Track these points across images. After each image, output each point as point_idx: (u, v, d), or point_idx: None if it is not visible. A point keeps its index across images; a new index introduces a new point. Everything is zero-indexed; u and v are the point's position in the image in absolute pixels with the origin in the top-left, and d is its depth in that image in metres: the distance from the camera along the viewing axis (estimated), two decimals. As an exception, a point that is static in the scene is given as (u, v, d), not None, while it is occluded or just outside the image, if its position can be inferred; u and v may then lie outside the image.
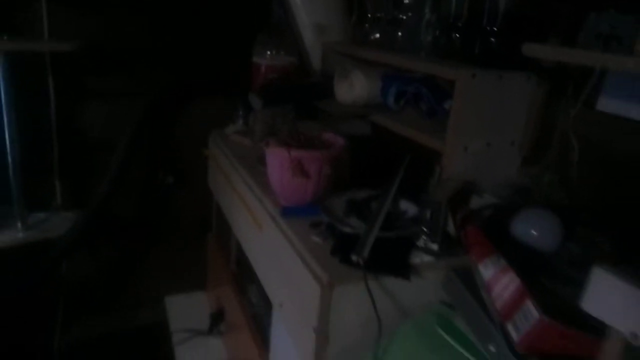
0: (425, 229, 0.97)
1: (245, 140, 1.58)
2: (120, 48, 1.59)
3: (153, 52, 1.65)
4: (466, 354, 0.84)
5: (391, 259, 0.90)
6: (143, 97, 1.63)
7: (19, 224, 1.44)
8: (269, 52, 1.45)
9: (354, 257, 0.86)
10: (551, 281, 0.78)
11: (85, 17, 1.52)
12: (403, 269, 0.89)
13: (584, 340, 0.69)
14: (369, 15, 1.51)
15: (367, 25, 1.51)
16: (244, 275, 1.52)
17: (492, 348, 0.80)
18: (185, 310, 1.84)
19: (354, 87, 1.31)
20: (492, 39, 1.09)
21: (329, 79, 1.45)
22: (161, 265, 1.92)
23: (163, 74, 1.67)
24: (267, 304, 1.22)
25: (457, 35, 1.18)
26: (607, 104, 0.96)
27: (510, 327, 0.77)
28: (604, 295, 0.57)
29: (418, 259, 0.94)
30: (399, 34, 1.40)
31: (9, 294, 1.50)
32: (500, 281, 0.79)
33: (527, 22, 1.04)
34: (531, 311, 0.73)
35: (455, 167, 1.06)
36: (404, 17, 1.38)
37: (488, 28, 1.09)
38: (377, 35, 1.48)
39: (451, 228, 0.96)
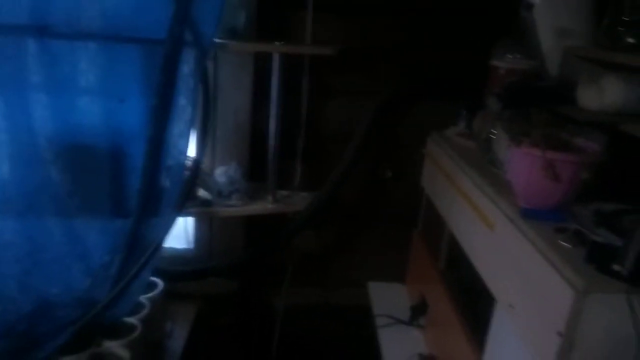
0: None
1: (467, 142, 1.62)
2: (365, 50, 1.79)
3: (392, 53, 1.81)
4: None
5: (657, 277, 0.84)
6: (377, 95, 1.80)
7: (270, 198, 1.74)
8: (509, 55, 1.46)
9: (616, 268, 0.83)
10: None
11: (340, 24, 1.75)
12: (673, 289, 0.82)
13: None
14: (624, 18, 1.41)
15: (620, 28, 1.40)
16: (453, 272, 1.56)
17: None
18: (386, 297, 1.94)
19: (604, 93, 1.24)
20: None
21: (569, 84, 1.39)
22: (368, 252, 2.08)
23: (399, 74, 1.82)
24: (482, 303, 1.24)
25: None
26: None
27: None
28: None
29: (686, 282, 0.86)
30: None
31: (258, 252, 1.83)
32: None
33: None
34: None
35: None
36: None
37: None
38: (632, 40, 1.37)
39: None
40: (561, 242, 0.96)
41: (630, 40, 1.39)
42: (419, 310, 1.76)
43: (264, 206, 1.71)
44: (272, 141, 1.69)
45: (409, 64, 1.81)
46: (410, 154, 1.86)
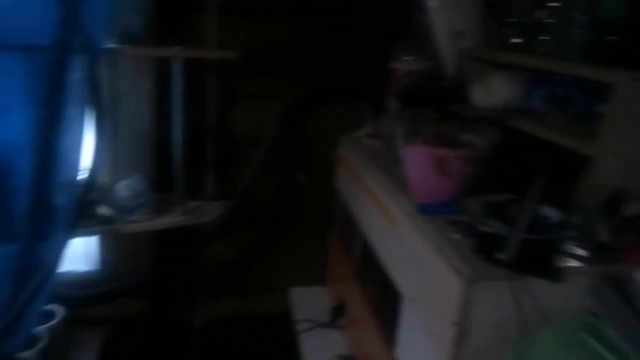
0: (574, 234, 0.95)
1: (375, 142, 1.64)
2: (270, 54, 1.77)
3: (298, 57, 1.80)
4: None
5: (538, 261, 0.89)
6: (283, 99, 1.79)
7: (178, 210, 1.66)
8: (407, 58, 1.50)
9: (499, 256, 0.87)
10: None
11: (243, 27, 1.71)
12: (551, 272, 0.87)
13: None
14: (508, 19, 1.50)
15: (506, 29, 1.49)
16: (366, 271, 1.58)
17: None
18: (307, 302, 1.94)
19: (492, 91, 1.31)
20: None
21: (463, 83, 1.45)
22: (287, 258, 2.06)
23: (305, 77, 1.81)
24: (392, 299, 1.26)
25: (613, 37, 1.13)
26: None
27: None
28: None
29: (565, 263, 0.92)
30: (543, 37, 1.37)
31: (168, 268, 1.73)
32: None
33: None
34: None
35: (606, 173, 1.01)
36: (549, 21, 1.36)
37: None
38: (517, 40, 1.47)
39: (602, 234, 0.93)
40: (453, 235, 0.99)
41: (516, 40, 1.48)
42: (338, 312, 1.77)
43: (172, 219, 1.63)
44: (177, 150, 1.61)
45: (312, 66, 1.82)
46: (322, 156, 1.87)
